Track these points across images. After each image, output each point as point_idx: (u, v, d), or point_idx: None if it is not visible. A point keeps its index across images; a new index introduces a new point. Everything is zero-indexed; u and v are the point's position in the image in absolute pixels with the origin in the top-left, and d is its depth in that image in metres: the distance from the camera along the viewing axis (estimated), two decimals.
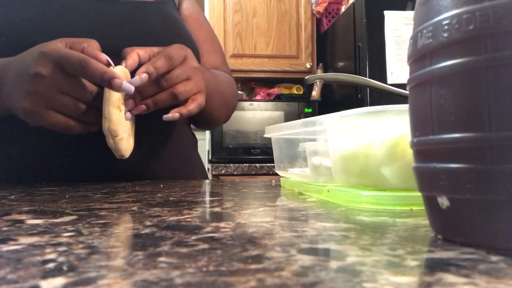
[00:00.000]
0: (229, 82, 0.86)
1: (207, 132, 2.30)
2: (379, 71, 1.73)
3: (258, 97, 2.39)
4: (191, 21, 0.86)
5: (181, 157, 0.78)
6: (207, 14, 2.27)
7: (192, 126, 0.88)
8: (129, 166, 0.67)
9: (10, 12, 0.64)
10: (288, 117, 2.16)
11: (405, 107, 0.32)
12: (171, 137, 0.74)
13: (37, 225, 0.27)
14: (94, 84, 0.57)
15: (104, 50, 0.67)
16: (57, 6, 0.67)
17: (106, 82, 0.54)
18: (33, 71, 0.53)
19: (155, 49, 0.64)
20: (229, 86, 0.86)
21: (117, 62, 0.66)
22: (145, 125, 0.66)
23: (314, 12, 2.33)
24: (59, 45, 0.56)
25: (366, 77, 1.69)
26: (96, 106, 0.57)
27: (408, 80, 0.24)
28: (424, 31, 0.22)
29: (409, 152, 0.24)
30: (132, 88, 0.56)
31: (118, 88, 0.54)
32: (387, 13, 1.74)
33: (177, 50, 0.64)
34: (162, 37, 0.73)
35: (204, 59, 0.84)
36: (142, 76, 0.58)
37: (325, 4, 2.29)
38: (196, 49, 0.81)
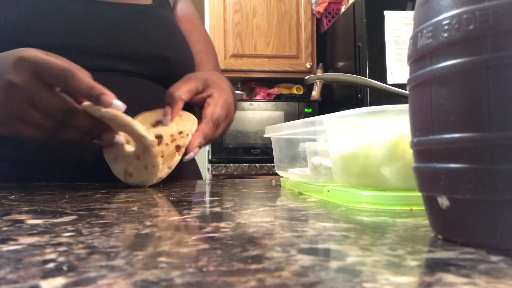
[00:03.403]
0: (234, 92, 0.83)
1: None
2: (379, 71, 1.73)
3: (258, 97, 2.39)
4: (185, 22, 0.86)
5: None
6: (207, 14, 2.27)
7: None
8: None
9: (3, 11, 0.64)
10: (288, 117, 2.16)
11: (405, 107, 0.32)
12: None
13: (37, 225, 0.27)
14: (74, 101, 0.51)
15: (97, 52, 0.67)
16: (52, 6, 0.66)
17: (94, 98, 0.50)
18: (6, 78, 0.48)
19: (199, 86, 0.65)
20: (234, 97, 0.84)
21: (111, 64, 0.67)
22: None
23: (314, 12, 2.33)
24: (41, 52, 0.50)
25: (366, 77, 1.69)
26: (72, 124, 0.52)
27: (408, 80, 0.24)
28: (424, 31, 0.22)
29: (409, 152, 0.24)
30: (123, 106, 0.51)
31: (108, 104, 0.50)
32: (387, 13, 1.74)
33: (223, 108, 0.65)
34: (157, 41, 0.73)
35: (197, 60, 0.84)
36: (195, 151, 0.59)
37: (325, 4, 2.29)
38: (191, 53, 0.81)
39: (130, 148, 0.58)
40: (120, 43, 0.69)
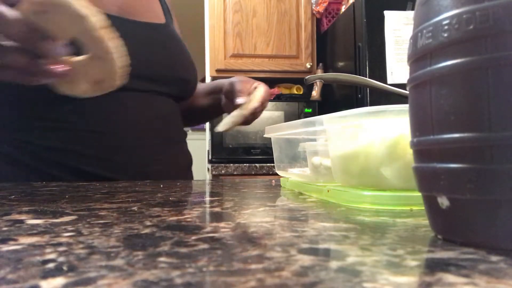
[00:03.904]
0: None
1: (207, 132, 2.30)
2: (379, 71, 1.73)
3: None
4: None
5: (176, 175, 0.79)
6: (207, 14, 2.27)
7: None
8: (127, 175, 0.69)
9: None
10: (288, 117, 2.16)
11: (405, 107, 0.32)
12: (168, 155, 0.76)
13: (37, 225, 0.27)
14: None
15: (132, 73, 0.68)
16: None
17: None
18: None
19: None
20: None
21: (147, 85, 0.73)
22: (146, 144, 0.71)
23: (314, 12, 2.33)
24: None
25: (366, 77, 1.69)
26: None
27: (408, 80, 0.24)
28: (424, 31, 0.22)
29: (409, 152, 0.24)
30: None
31: None
32: (387, 13, 1.74)
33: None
34: (181, 65, 0.80)
35: None
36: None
37: (325, 4, 2.29)
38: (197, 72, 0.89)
39: (78, 58, 0.49)
40: (153, 66, 0.74)
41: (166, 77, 0.75)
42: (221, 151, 2.11)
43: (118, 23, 0.68)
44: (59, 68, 0.46)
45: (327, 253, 0.21)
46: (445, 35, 0.20)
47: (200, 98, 0.93)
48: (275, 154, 0.60)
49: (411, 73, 0.23)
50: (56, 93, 0.53)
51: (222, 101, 0.85)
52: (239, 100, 0.74)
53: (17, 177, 0.66)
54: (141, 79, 0.71)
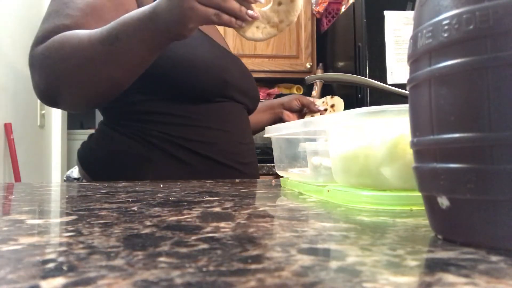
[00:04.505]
0: None
1: None
2: (379, 71, 1.73)
3: None
4: None
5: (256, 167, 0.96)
6: None
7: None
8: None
9: (191, 51, 0.78)
10: None
11: (405, 107, 0.32)
12: (254, 151, 0.93)
13: (37, 225, 0.27)
14: None
15: (235, 86, 0.85)
16: (219, 51, 0.85)
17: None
18: None
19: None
20: None
21: (240, 98, 0.87)
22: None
23: (314, 12, 2.33)
24: None
25: (366, 77, 1.69)
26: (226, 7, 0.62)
27: (408, 80, 0.24)
28: (424, 31, 0.22)
29: (409, 152, 0.24)
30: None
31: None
32: (387, 13, 1.74)
33: None
34: (251, 77, 0.96)
35: None
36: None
37: (325, 4, 2.29)
38: None
39: (265, 8, 0.68)
40: (246, 82, 0.90)
41: (251, 93, 0.92)
42: None
43: (222, 49, 0.87)
44: (255, 14, 0.65)
45: (327, 253, 0.21)
46: (445, 35, 0.20)
47: (259, 114, 1.08)
48: (275, 154, 0.60)
49: (411, 73, 0.23)
50: (195, 98, 0.79)
51: (284, 113, 1.08)
52: (321, 108, 0.99)
53: (161, 162, 0.78)
54: (242, 93, 0.87)
